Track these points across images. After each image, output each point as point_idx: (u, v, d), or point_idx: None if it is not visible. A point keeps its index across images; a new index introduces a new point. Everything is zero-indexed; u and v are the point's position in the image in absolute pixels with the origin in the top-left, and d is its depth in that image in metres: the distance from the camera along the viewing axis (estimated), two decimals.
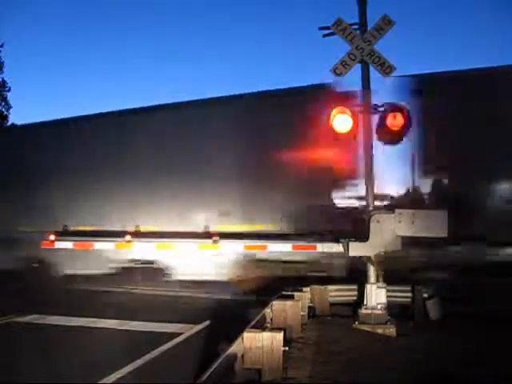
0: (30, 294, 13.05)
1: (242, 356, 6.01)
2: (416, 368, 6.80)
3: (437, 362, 7.02)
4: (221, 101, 15.05)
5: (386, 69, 9.17)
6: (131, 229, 15.12)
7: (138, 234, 14.99)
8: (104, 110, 17.10)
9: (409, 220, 8.70)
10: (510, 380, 6.28)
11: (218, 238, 13.91)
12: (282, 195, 13.26)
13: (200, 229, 14.44)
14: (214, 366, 4.99)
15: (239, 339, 6.06)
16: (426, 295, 9.85)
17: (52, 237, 15.39)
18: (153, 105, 16.32)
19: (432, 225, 8.59)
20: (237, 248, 13.68)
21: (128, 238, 14.74)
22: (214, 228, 14.25)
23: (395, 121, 9.58)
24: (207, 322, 9.93)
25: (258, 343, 6.07)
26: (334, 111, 9.70)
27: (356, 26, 9.46)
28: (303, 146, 12.95)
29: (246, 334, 6.14)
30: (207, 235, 14.16)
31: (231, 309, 11.14)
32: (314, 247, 12.52)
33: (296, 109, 13.07)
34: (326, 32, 9.56)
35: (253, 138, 13.79)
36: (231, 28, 64.88)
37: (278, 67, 65.01)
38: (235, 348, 5.83)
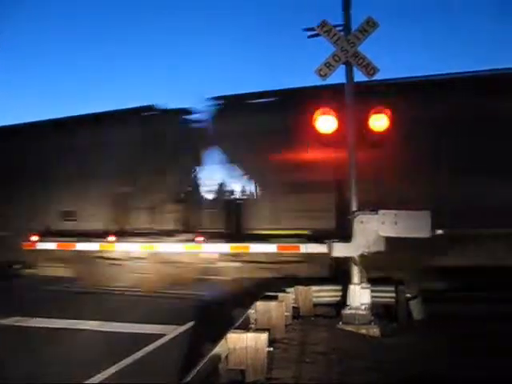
0: (11, 296, 12.94)
1: (226, 357, 6.01)
2: (400, 368, 6.83)
3: (420, 362, 7.06)
4: None
5: (369, 70, 9.23)
6: (114, 229, 15.08)
7: (121, 235, 14.93)
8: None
9: (392, 221, 8.74)
10: (494, 379, 6.34)
11: (203, 238, 13.89)
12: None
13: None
14: (197, 368, 4.99)
15: (223, 340, 6.06)
16: (409, 295, 9.91)
17: (34, 237, 15.26)
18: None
19: (415, 225, 8.65)
20: (222, 249, 13.68)
21: (111, 238, 14.65)
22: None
23: (380, 123, 9.65)
24: (191, 323, 9.91)
25: (242, 344, 6.07)
26: (318, 112, 9.75)
27: (341, 28, 9.51)
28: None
29: (230, 335, 6.14)
30: (193, 236, 14.18)
31: (215, 309, 11.13)
32: (298, 248, 12.54)
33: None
34: (311, 33, 9.60)
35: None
36: (216, 28, 64.60)
37: (263, 69, 64.93)
38: (219, 349, 5.83)
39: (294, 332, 8.70)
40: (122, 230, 15.22)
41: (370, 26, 9.27)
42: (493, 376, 6.40)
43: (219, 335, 6.22)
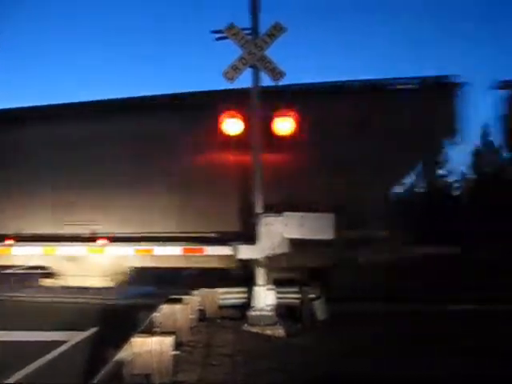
0: None
1: (131, 361, 5.89)
2: (305, 369, 6.97)
3: (325, 363, 7.23)
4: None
5: (276, 74, 9.37)
6: (12, 232, 14.36)
7: (20, 238, 14.23)
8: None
9: (297, 223, 8.91)
10: (397, 377, 6.58)
11: (107, 241, 13.51)
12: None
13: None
14: (100, 374, 4.87)
15: (127, 344, 5.94)
16: (312, 295, 10.10)
17: None
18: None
19: (319, 227, 8.86)
20: (127, 252, 13.35)
21: (8, 242, 13.93)
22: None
23: (285, 126, 9.81)
24: (94, 329, 9.64)
25: (147, 348, 5.96)
26: (224, 115, 9.81)
27: (249, 31, 9.59)
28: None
29: (134, 339, 6.02)
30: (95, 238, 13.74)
31: (119, 314, 10.87)
32: (202, 250, 12.39)
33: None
34: (219, 36, 9.62)
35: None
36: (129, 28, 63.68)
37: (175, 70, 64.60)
38: (123, 353, 5.72)
39: (200, 334, 8.66)
40: None
41: (277, 30, 9.43)
42: (396, 375, 6.65)
43: (124, 340, 6.09)
